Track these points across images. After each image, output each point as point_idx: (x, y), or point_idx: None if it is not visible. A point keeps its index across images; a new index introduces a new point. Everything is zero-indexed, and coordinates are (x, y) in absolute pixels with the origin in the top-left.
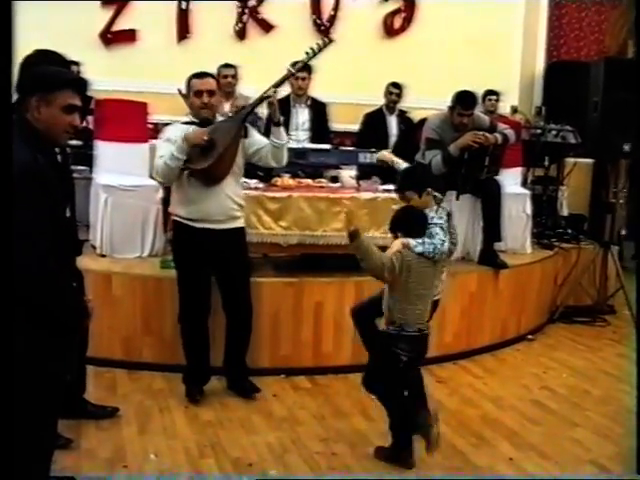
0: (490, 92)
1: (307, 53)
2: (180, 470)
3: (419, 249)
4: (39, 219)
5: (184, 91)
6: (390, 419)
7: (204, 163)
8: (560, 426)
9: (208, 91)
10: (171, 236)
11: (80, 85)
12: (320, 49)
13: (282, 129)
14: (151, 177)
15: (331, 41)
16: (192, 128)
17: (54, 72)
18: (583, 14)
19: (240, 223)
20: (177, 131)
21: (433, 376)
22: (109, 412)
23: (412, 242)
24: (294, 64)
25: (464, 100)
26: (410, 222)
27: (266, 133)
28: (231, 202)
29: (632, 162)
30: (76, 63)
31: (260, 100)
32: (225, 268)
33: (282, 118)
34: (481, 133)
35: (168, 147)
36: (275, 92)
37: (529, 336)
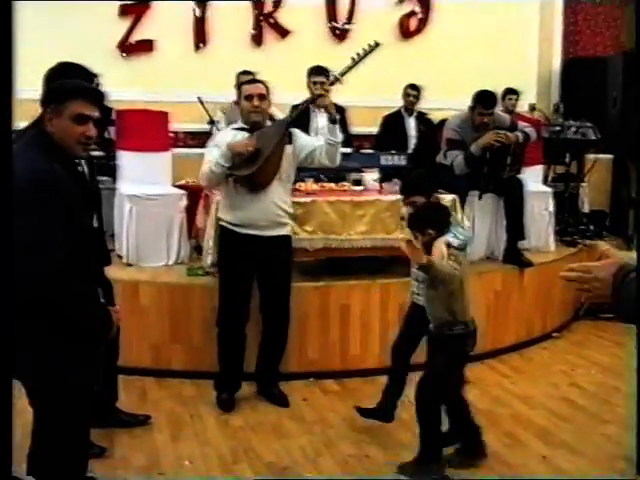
0: (509, 91)
1: (353, 59)
2: (215, 476)
3: (457, 242)
4: (52, 227)
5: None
6: (432, 430)
7: (247, 170)
8: (591, 423)
9: (259, 95)
10: (196, 243)
11: (91, 94)
12: (366, 53)
13: (337, 127)
14: (174, 186)
15: (377, 45)
16: (241, 134)
17: (64, 83)
18: (599, 9)
19: (286, 231)
20: (226, 137)
21: None
22: (141, 420)
23: (450, 239)
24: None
25: (484, 99)
26: (441, 218)
27: None
28: (277, 208)
29: None
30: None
31: (310, 101)
32: (268, 275)
33: (338, 117)
34: (502, 132)
35: (215, 153)
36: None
37: (555, 334)
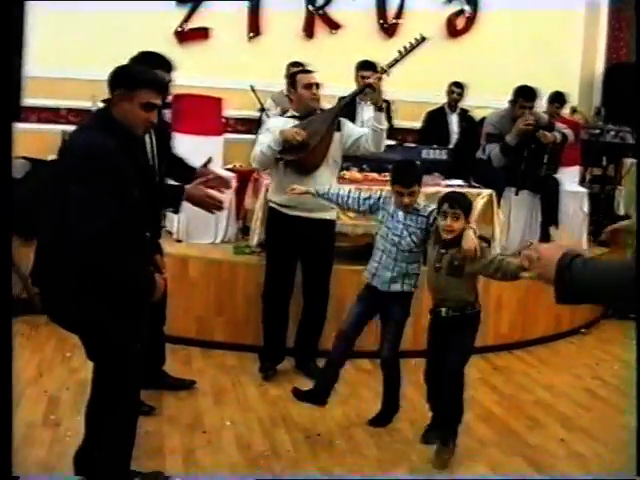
0: (556, 98)
1: (400, 51)
2: (253, 438)
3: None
4: (102, 195)
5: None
6: (460, 400)
7: (296, 155)
8: (610, 413)
9: (317, 84)
10: (242, 224)
11: (160, 86)
12: (413, 47)
13: (383, 114)
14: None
15: (424, 39)
16: (292, 122)
17: (138, 71)
18: None
19: (331, 215)
20: (278, 123)
21: (490, 364)
22: (187, 384)
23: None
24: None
25: (525, 92)
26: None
27: None
28: None
29: None
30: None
31: (359, 91)
32: (311, 256)
33: (385, 104)
34: (531, 117)
35: (267, 137)
36: (381, 77)
37: (583, 330)
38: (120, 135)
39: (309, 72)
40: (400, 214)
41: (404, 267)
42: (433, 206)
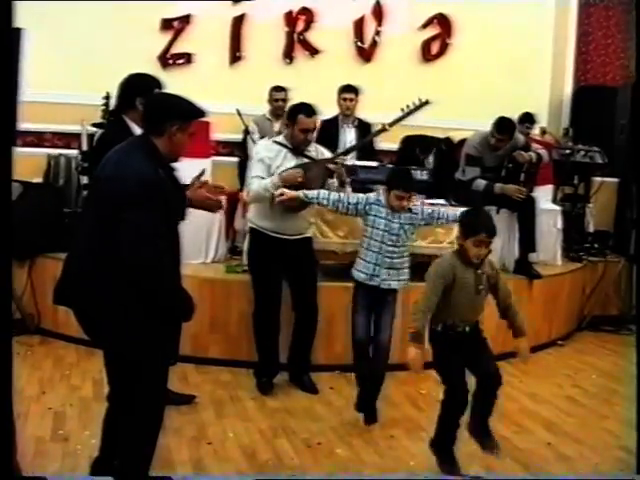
0: (527, 119)
1: (402, 110)
2: (257, 447)
3: None
4: (158, 222)
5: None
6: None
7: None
8: (592, 418)
9: (314, 129)
10: (231, 244)
11: (204, 114)
12: (416, 108)
13: (347, 188)
14: None
15: (427, 102)
16: (284, 152)
17: (188, 103)
18: (609, 41)
19: (310, 233)
20: (270, 152)
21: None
22: (187, 399)
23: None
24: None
25: (501, 127)
26: None
27: None
28: (304, 221)
29: None
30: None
31: (356, 147)
32: (296, 272)
33: (348, 180)
34: (525, 190)
35: (261, 168)
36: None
37: (559, 342)
38: (163, 163)
39: (311, 114)
40: (396, 215)
41: (399, 262)
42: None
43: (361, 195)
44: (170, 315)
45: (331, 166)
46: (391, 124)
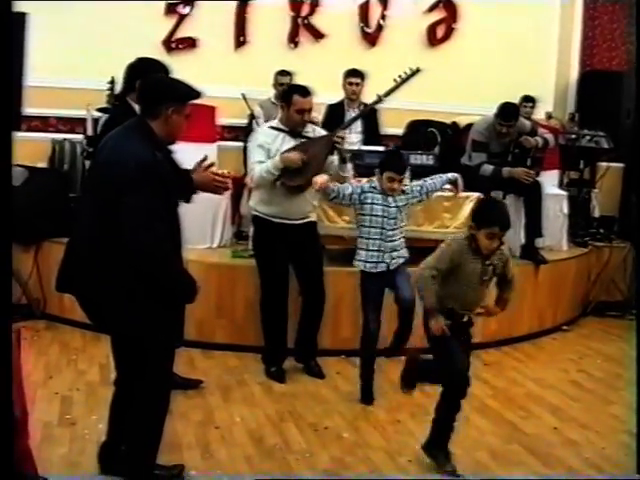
0: (527, 99)
1: (395, 80)
2: (264, 432)
3: None
4: (158, 206)
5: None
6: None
7: (297, 181)
8: (597, 403)
9: (309, 110)
10: (237, 229)
11: (199, 95)
12: (408, 77)
13: (348, 165)
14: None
15: (418, 70)
16: (282, 136)
17: (186, 87)
18: (615, 25)
19: (313, 217)
20: (267, 137)
21: (480, 360)
22: (194, 383)
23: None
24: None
25: (504, 113)
26: None
27: None
28: (308, 204)
29: None
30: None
31: (355, 119)
32: (302, 257)
33: (349, 155)
34: (532, 172)
35: (260, 153)
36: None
37: (564, 327)
38: (160, 146)
39: (306, 94)
40: (390, 199)
41: (399, 243)
42: (415, 182)
43: (354, 183)
44: (173, 297)
45: (335, 138)
46: (385, 94)
